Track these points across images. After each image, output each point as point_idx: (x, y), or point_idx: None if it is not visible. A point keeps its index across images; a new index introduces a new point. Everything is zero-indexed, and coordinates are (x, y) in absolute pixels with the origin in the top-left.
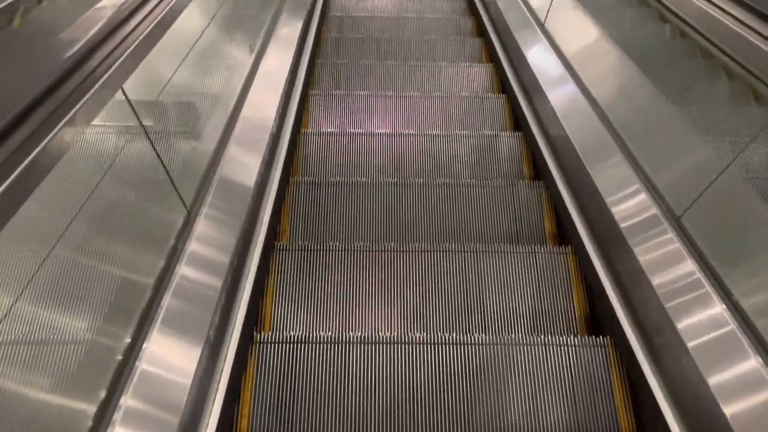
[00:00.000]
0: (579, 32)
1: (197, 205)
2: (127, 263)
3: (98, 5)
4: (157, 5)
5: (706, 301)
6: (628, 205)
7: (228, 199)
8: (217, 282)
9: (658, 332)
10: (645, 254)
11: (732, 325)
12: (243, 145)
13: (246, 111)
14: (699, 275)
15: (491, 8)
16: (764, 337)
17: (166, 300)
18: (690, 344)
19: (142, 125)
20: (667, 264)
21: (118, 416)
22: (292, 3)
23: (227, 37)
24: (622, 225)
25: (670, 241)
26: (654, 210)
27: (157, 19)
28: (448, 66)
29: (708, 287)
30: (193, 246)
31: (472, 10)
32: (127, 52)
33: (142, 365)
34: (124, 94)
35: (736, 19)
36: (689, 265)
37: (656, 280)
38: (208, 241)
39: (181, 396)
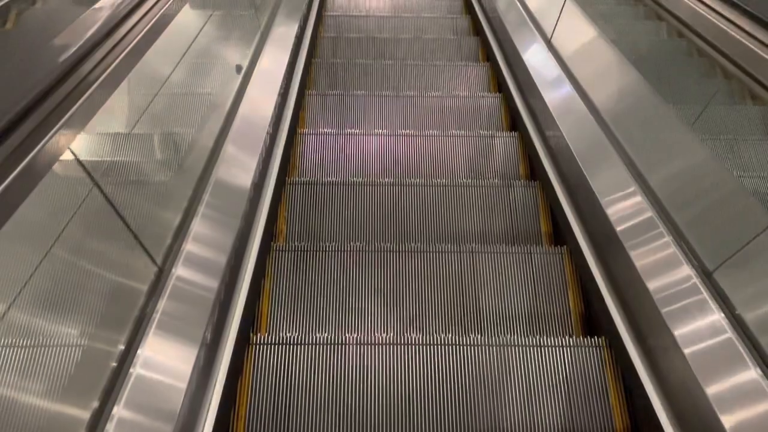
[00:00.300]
0: (585, 42)
1: (196, 204)
2: (128, 249)
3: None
4: (151, 8)
5: (702, 304)
6: (624, 206)
7: (225, 198)
8: (213, 283)
9: (653, 333)
10: (641, 256)
11: (728, 330)
12: (240, 146)
13: (243, 110)
14: (696, 280)
15: (491, 14)
16: (760, 343)
17: (163, 302)
18: (684, 346)
19: (88, 172)
20: (663, 266)
21: (111, 426)
22: (289, 2)
23: (222, 38)
24: (618, 227)
25: (666, 245)
26: (650, 213)
27: (154, 20)
28: (444, 65)
29: (705, 293)
30: (189, 246)
31: (469, 9)
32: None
33: (137, 370)
34: (72, 153)
35: None
36: (686, 269)
37: (652, 283)
38: (206, 240)
39: (177, 400)
